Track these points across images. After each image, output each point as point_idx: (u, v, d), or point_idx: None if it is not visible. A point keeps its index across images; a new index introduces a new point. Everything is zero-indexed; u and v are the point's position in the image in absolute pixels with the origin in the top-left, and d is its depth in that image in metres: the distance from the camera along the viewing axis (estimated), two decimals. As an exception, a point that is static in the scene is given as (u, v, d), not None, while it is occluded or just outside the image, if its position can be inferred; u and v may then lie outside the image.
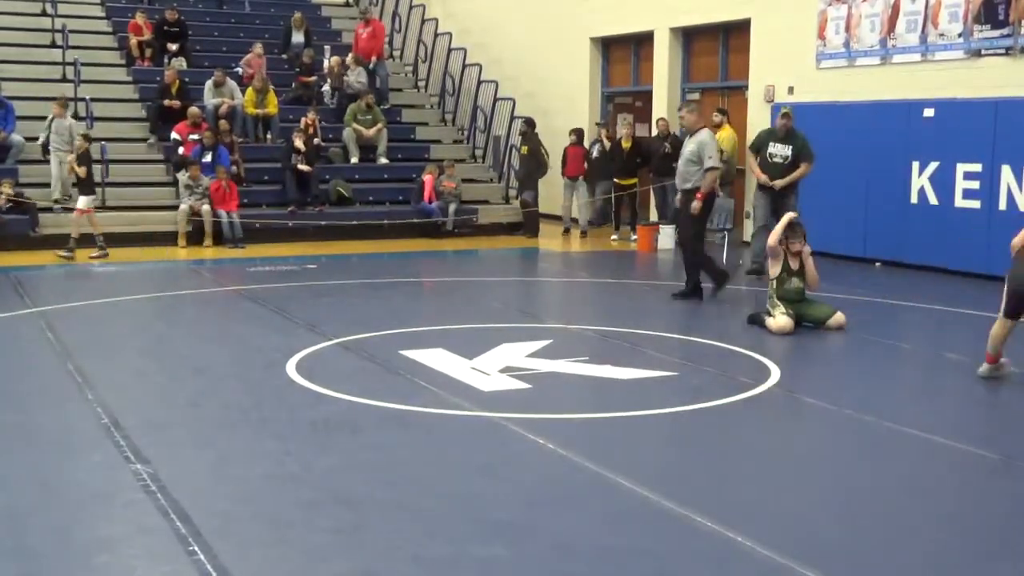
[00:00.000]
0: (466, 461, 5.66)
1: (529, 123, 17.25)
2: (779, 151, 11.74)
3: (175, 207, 15.03)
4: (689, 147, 10.60)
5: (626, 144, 16.68)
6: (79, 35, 18.44)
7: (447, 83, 19.85)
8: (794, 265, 9.26)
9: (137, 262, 13.53)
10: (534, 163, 17.06)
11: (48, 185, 14.96)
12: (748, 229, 15.01)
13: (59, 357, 7.97)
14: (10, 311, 9.78)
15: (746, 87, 15.78)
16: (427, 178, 16.52)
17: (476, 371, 7.53)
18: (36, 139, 15.43)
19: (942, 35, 12.96)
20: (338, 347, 8.42)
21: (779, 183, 11.76)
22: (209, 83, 16.96)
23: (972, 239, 12.21)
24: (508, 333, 8.92)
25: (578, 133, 17.32)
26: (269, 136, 17.17)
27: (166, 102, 16.52)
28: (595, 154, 17.25)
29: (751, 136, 15.21)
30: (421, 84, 20.72)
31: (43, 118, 15.63)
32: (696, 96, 16.97)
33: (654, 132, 16.58)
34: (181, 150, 15.67)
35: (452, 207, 16.46)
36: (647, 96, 17.73)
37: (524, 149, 17.10)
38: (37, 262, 13.24)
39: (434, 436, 6.17)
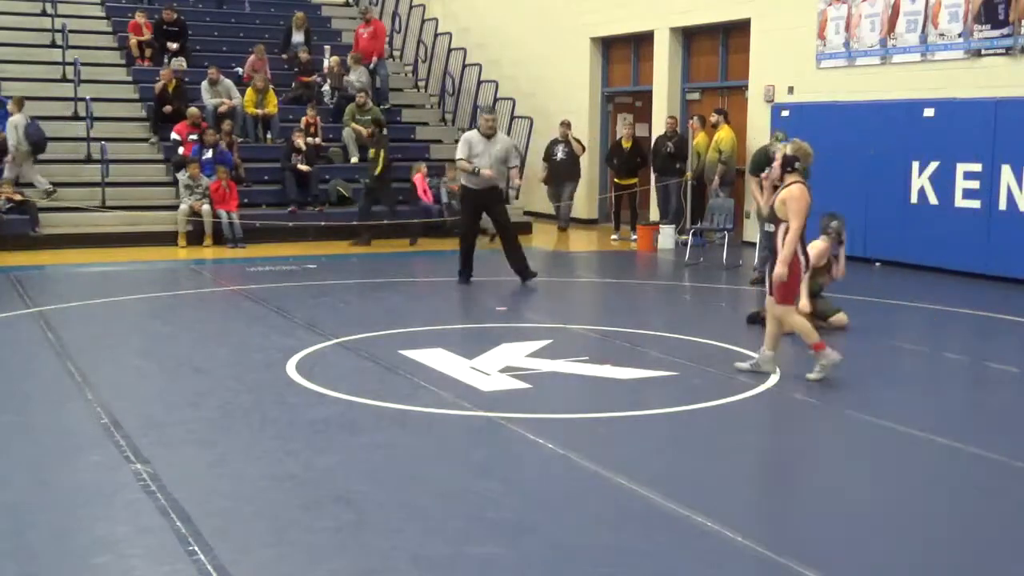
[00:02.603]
0: (466, 461, 5.67)
1: (377, 123, 16.27)
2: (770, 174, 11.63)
3: (175, 207, 15.04)
4: (498, 147, 11.56)
5: (626, 144, 16.67)
6: (79, 35, 18.45)
7: (447, 83, 19.86)
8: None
9: (137, 262, 13.53)
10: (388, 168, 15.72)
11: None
12: (748, 229, 15.03)
13: (59, 357, 7.97)
14: (10, 311, 9.78)
15: (746, 87, 15.78)
16: (417, 177, 16.47)
17: (476, 371, 7.53)
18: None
19: (942, 35, 12.96)
20: (338, 347, 8.42)
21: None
22: (205, 82, 16.97)
23: (972, 239, 12.21)
24: (508, 333, 8.93)
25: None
26: (269, 136, 17.18)
27: (165, 109, 16.46)
28: (560, 156, 17.15)
29: (751, 136, 15.28)
30: (421, 84, 20.73)
31: (43, 118, 15.65)
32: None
33: (661, 131, 16.52)
34: (181, 150, 15.67)
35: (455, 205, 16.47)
36: (647, 96, 17.72)
37: (372, 153, 15.69)
38: (37, 262, 13.24)
39: (434, 436, 6.17)
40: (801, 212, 7.16)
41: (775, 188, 7.54)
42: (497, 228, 12.12)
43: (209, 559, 4.29)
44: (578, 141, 17.45)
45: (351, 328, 9.07)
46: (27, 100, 16.02)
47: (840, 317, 9.24)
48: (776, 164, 7.44)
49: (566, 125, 17.40)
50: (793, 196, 7.17)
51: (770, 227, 7.41)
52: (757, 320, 9.30)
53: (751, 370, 7.49)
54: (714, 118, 15.37)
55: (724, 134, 15.16)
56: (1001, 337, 9.39)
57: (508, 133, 18.37)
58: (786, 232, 7.17)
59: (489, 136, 11.58)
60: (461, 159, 11.55)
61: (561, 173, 17.26)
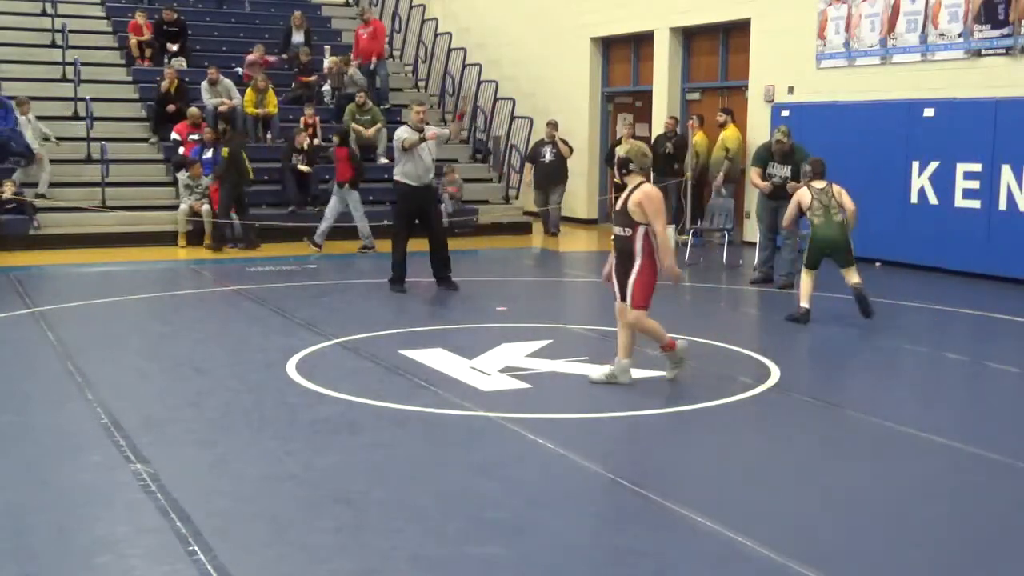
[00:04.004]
0: (466, 461, 5.67)
1: (228, 120, 15.48)
2: (778, 171, 11.59)
3: (175, 207, 15.04)
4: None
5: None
6: (79, 35, 18.46)
7: (447, 83, 19.86)
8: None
9: (137, 262, 13.53)
10: (233, 171, 14.68)
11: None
12: (747, 229, 15.03)
13: (59, 357, 7.97)
14: (10, 311, 9.78)
15: (746, 87, 15.78)
16: None
17: (476, 371, 7.54)
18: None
19: (942, 35, 12.96)
20: (338, 347, 8.42)
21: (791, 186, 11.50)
22: (204, 83, 16.98)
23: (972, 239, 12.21)
24: (508, 333, 8.92)
25: (340, 133, 15.48)
26: (269, 136, 17.18)
27: (168, 108, 16.44)
28: (548, 157, 16.80)
29: (751, 136, 15.28)
30: (421, 84, 20.73)
31: (43, 118, 15.64)
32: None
33: (661, 130, 16.49)
34: (181, 150, 15.67)
35: (449, 205, 16.45)
36: (647, 96, 17.72)
37: (226, 151, 14.73)
38: (37, 262, 13.24)
39: (434, 436, 6.17)
40: (662, 211, 7.01)
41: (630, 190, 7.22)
42: (430, 234, 11.25)
43: (209, 559, 4.29)
44: (565, 142, 17.06)
45: (351, 328, 9.07)
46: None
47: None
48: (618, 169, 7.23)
49: (552, 126, 17.09)
50: (649, 197, 6.97)
51: (624, 231, 7.08)
52: (799, 319, 9.42)
53: (606, 382, 7.21)
54: (721, 118, 15.38)
55: (730, 133, 15.19)
56: (1001, 337, 9.40)
57: (508, 133, 18.41)
58: (645, 235, 6.97)
59: (421, 130, 11.06)
60: (405, 137, 10.89)
61: (550, 176, 16.87)
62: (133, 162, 16.33)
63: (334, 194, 14.71)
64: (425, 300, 11.00)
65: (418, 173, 11.00)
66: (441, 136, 11.54)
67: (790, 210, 10.02)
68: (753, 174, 11.89)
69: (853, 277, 9.58)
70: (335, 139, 15.33)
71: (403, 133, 11.06)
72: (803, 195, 9.90)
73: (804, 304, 9.53)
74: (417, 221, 11.27)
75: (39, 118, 15.56)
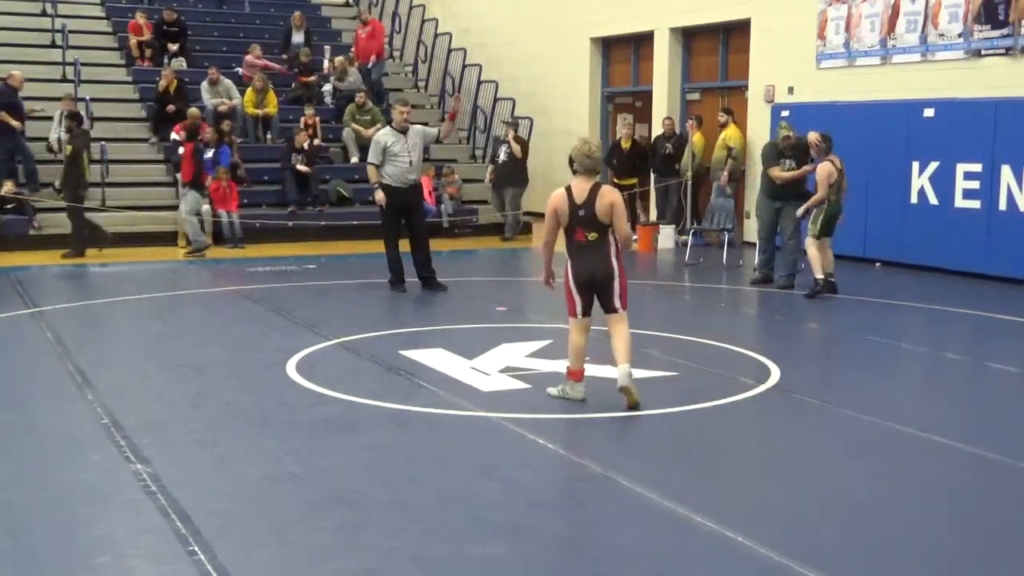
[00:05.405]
0: (466, 461, 5.67)
1: (73, 116, 14.20)
2: (785, 167, 11.57)
3: (175, 207, 15.04)
4: (415, 139, 10.99)
5: (626, 144, 16.63)
6: (79, 35, 18.46)
7: (447, 83, 19.86)
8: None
9: (137, 262, 13.53)
10: (77, 170, 13.72)
11: (49, 185, 14.96)
12: (748, 229, 15.02)
13: (59, 357, 7.97)
14: (10, 311, 9.78)
15: (746, 87, 15.77)
16: (423, 179, 16.45)
17: (476, 371, 7.54)
18: (41, 139, 15.47)
19: (942, 35, 12.95)
20: (338, 347, 8.42)
21: (800, 211, 11.38)
22: (205, 83, 16.98)
23: (972, 239, 12.21)
24: (508, 333, 8.92)
25: (188, 129, 14.65)
26: (269, 136, 17.18)
27: (168, 109, 16.43)
28: (502, 158, 16.51)
29: (751, 136, 15.28)
30: (421, 84, 20.74)
31: (44, 118, 15.63)
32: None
33: (660, 131, 16.50)
34: (181, 150, 15.65)
35: (449, 206, 16.44)
36: (647, 96, 17.72)
37: (68, 150, 13.83)
38: (37, 262, 13.24)
39: (434, 436, 6.17)
40: (546, 219, 6.67)
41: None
42: (411, 236, 11.19)
43: (209, 559, 4.29)
44: (519, 140, 16.59)
45: (351, 328, 9.07)
46: (27, 100, 16.05)
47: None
48: None
49: (511, 124, 16.84)
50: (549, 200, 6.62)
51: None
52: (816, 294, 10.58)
53: (627, 386, 6.71)
54: (722, 118, 15.39)
55: (732, 132, 15.18)
56: (1001, 337, 9.40)
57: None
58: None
59: (404, 131, 10.86)
60: (372, 164, 10.88)
61: (504, 177, 16.53)
62: (133, 162, 16.33)
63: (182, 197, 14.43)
64: (425, 300, 10.99)
65: (399, 173, 10.88)
66: (429, 136, 11.52)
67: (821, 184, 10.69)
68: (776, 171, 11.57)
69: (830, 252, 10.94)
70: (182, 135, 14.76)
71: (373, 157, 10.88)
72: (831, 170, 10.72)
73: (819, 275, 10.67)
74: (403, 221, 11.18)
75: (40, 119, 15.54)
